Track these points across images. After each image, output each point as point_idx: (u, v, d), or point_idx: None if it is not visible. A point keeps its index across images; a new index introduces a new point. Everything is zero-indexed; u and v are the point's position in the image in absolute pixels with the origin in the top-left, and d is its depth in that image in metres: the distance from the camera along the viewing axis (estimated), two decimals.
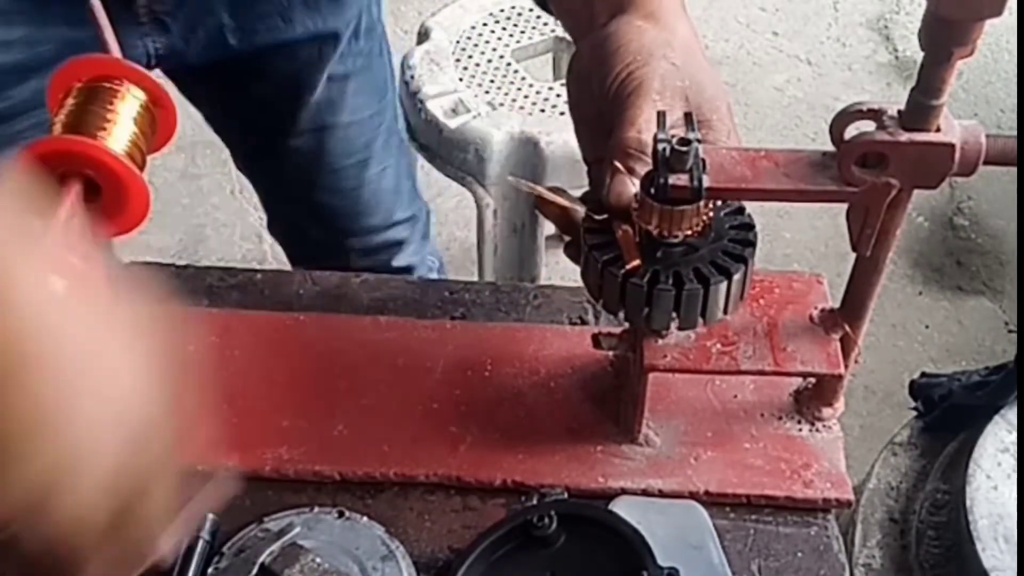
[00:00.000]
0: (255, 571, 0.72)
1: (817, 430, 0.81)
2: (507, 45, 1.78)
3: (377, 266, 1.27)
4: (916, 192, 0.68)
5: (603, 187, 0.71)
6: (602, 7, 0.77)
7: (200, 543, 0.73)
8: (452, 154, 1.64)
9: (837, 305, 0.78)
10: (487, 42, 1.78)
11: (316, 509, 0.76)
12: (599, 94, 0.73)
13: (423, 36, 1.78)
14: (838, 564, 0.76)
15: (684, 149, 0.65)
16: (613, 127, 0.71)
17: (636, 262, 0.69)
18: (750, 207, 0.72)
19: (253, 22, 0.99)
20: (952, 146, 0.65)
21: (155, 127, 0.82)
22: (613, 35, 0.74)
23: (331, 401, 0.83)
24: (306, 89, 1.09)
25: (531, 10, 1.83)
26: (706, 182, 0.66)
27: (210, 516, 0.75)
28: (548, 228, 1.76)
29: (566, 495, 0.75)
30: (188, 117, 1.01)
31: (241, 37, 0.99)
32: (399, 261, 1.30)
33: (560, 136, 1.58)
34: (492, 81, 1.71)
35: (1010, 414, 1.15)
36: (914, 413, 1.24)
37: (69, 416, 0.51)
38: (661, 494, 0.78)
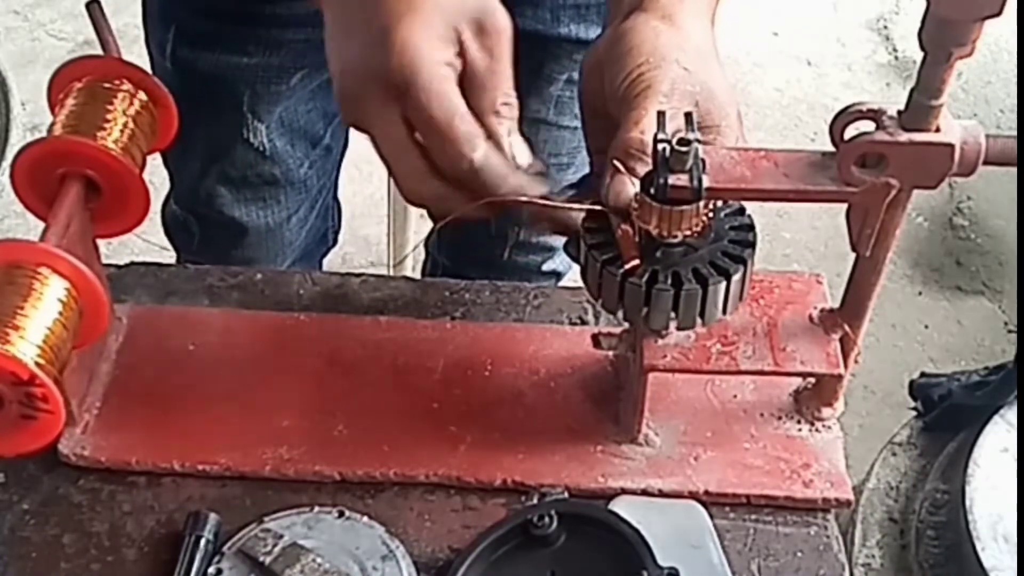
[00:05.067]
0: (255, 571, 0.72)
1: (817, 430, 0.81)
2: None
3: (530, 266, 1.27)
4: (916, 192, 0.68)
5: (603, 185, 0.71)
6: (625, 1, 0.77)
7: (201, 543, 0.74)
8: None
9: (837, 305, 0.78)
10: None
11: (316, 509, 0.76)
12: (609, 91, 0.74)
13: None
14: (838, 564, 0.76)
15: (684, 149, 0.65)
16: (618, 126, 0.72)
17: (635, 262, 0.69)
18: (750, 207, 0.73)
19: (523, 7, 0.98)
20: (952, 146, 0.65)
21: (155, 127, 0.82)
22: (628, 33, 0.74)
23: (331, 401, 0.83)
24: (544, 80, 1.08)
25: None
26: (706, 182, 0.66)
27: (211, 516, 0.75)
28: None
29: (566, 495, 0.75)
30: None
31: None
32: (548, 266, 1.30)
33: None
34: None
35: (1010, 414, 1.15)
36: (914, 413, 1.24)
37: None
38: (661, 494, 0.78)
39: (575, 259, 0.74)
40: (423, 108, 0.69)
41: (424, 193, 0.72)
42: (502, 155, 0.71)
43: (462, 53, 0.71)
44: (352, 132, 1.22)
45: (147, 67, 0.84)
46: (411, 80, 0.68)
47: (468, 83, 0.72)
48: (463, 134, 0.69)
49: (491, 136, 0.71)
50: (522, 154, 0.73)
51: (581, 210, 0.72)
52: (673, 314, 0.70)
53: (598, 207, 0.71)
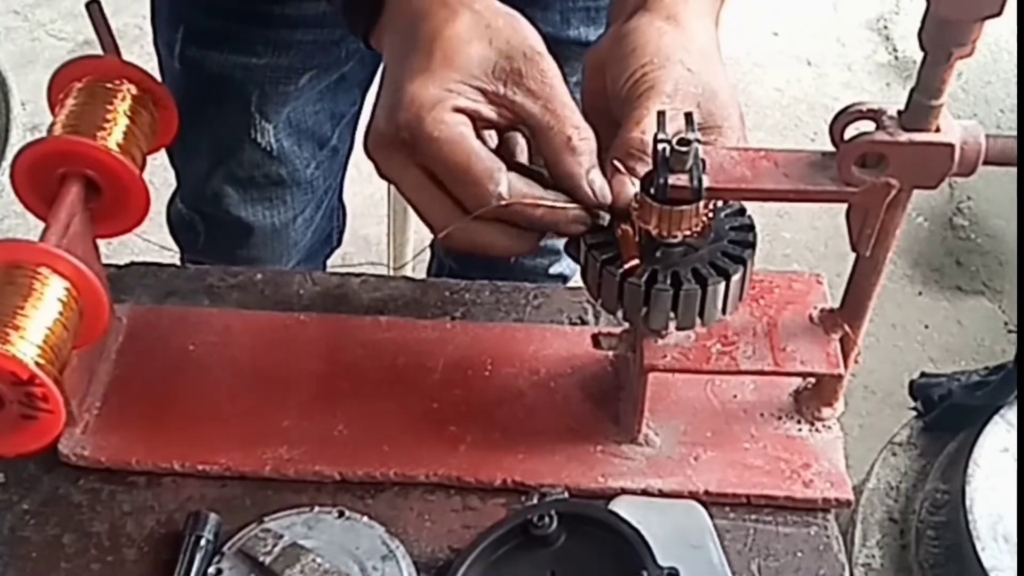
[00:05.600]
0: (255, 571, 0.72)
1: (817, 430, 0.81)
2: None
3: (537, 269, 1.27)
4: (916, 192, 0.68)
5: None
6: (629, 1, 0.77)
7: (201, 543, 0.74)
8: None
9: (837, 305, 0.78)
10: None
11: (316, 509, 0.76)
12: (612, 91, 0.74)
13: None
14: (838, 564, 0.76)
15: (684, 149, 0.65)
16: (619, 126, 0.72)
17: (634, 262, 0.69)
18: (750, 207, 0.73)
19: (533, 9, 0.96)
20: (952, 146, 0.65)
21: (155, 127, 0.82)
22: (632, 34, 0.74)
23: (331, 401, 0.83)
24: None
25: None
26: (706, 182, 0.66)
27: (211, 516, 0.75)
28: None
29: (566, 495, 0.75)
30: None
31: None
32: (555, 269, 1.30)
33: None
34: None
35: (1010, 414, 1.15)
36: (914, 413, 1.24)
37: None
38: (661, 494, 0.78)
39: (575, 259, 0.74)
40: (434, 157, 0.69)
41: (459, 236, 0.72)
42: (526, 181, 0.70)
43: (502, 107, 0.70)
44: (358, 132, 1.23)
45: (147, 67, 0.83)
46: (417, 133, 0.69)
47: (531, 132, 0.71)
48: (481, 171, 0.69)
49: (570, 178, 0.70)
50: (606, 192, 0.70)
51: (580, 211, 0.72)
52: (672, 314, 0.70)
53: (598, 207, 0.71)
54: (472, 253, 0.74)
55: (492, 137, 0.74)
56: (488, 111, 0.70)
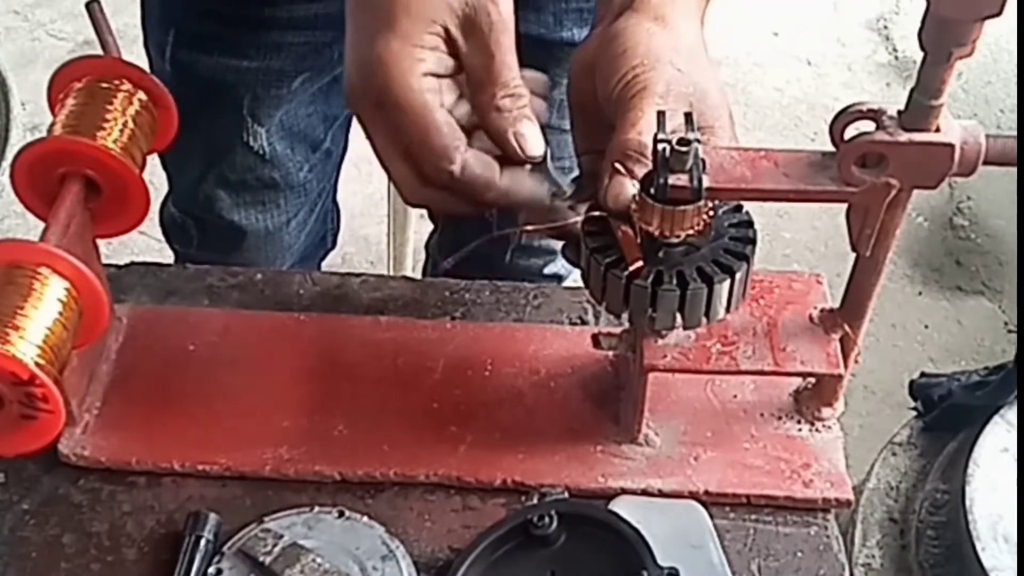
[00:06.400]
0: (255, 571, 0.72)
1: (817, 430, 0.81)
2: None
3: (531, 269, 1.27)
4: (916, 192, 0.68)
5: (601, 188, 0.71)
6: (616, 2, 0.77)
7: (201, 543, 0.74)
8: None
9: (837, 305, 0.78)
10: None
11: (316, 509, 0.76)
12: (603, 93, 0.74)
13: None
14: (838, 564, 0.76)
15: (684, 149, 0.65)
16: (614, 128, 0.72)
17: (639, 263, 0.69)
18: (750, 207, 0.73)
19: (526, 11, 0.95)
20: (952, 146, 0.65)
21: (155, 127, 0.82)
22: (621, 35, 0.74)
23: (331, 401, 0.83)
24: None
25: None
26: (706, 182, 0.66)
27: (211, 516, 0.75)
28: None
29: (566, 495, 0.75)
30: None
31: None
32: (550, 269, 1.30)
33: None
34: None
35: (1010, 414, 1.15)
36: (914, 413, 1.24)
37: None
38: (661, 494, 0.78)
39: (573, 263, 0.74)
40: (398, 124, 0.71)
41: (419, 199, 0.75)
42: (485, 161, 0.72)
43: (455, 53, 0.72)
44: (352, 133, 1.23)
45: (147, 68, 0.83)
46: (384, 99, 0.71)
47: (468, 81, 0.73)
48: (439, 147, 0.71)
49: (496, 134, 0.72)
50: (533, 146, 0.73)
51: (578, 215, 0.72)
52: (679, 314, 0.70)
53: (597, 211, 0.71)
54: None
55: None
56: (439, 62, 0.71)
